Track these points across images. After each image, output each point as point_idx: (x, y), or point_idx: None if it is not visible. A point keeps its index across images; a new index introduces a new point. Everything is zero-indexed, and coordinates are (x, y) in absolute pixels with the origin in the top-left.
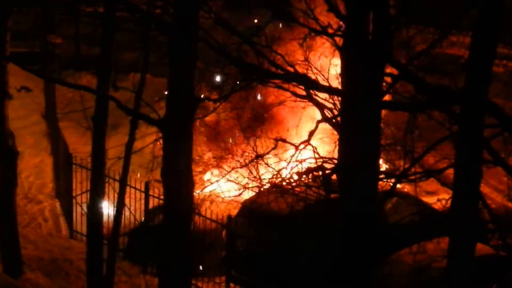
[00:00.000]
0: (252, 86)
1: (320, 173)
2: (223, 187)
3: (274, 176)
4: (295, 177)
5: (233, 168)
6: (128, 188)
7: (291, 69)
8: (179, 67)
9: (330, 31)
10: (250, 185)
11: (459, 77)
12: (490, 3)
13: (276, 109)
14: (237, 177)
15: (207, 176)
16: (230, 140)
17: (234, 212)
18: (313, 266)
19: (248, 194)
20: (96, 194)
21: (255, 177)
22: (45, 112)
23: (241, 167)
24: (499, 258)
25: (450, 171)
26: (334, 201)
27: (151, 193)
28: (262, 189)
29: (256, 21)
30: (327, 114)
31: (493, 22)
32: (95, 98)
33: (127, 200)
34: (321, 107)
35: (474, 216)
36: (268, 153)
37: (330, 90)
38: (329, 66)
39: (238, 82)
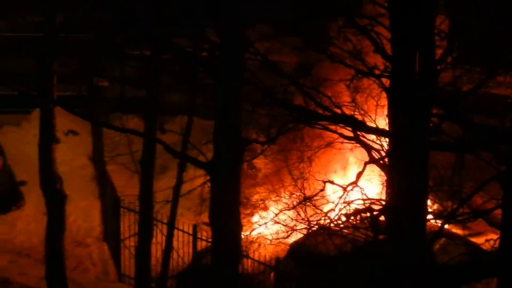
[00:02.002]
0: (299, 128)
1: (368, 214)
2: (271, 229)
3: (322, 218)
4: (343, 218)
5: (281, 210)
6: (176, 231)
7: (338, 111)
8: (226, 109)
9: (376, 72)
10: (298, 227)
11: (506, 117)
12: None
13: (323, 150)
14: (285, 219)
15: (255, 218)
16: (278, 182)
17: (282, 254)
18: None
19: (296, 236)
20: (144, 237)
21: (303, 219)
22: (92, 156)
23: (289, 209)
24: None
25: (498, 212)
26: (382, 243)
27: (199, 236)
28: (310, 231)
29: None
30: (374, 155)
31: None
32: (143, 141)
33: (175, 243)
34: (368, 148)
35: None
36: (316, 195)
37: (377, 131)
38: (376, 107)
39: (285, 124)
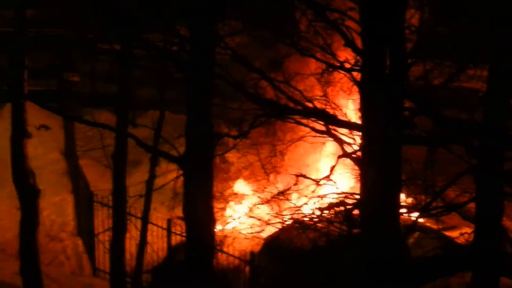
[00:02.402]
0: (271, 122)
1: (342, 208)
2: (245, 223)
3: (296, 212)
4: (317, 212)
5: (254, 205)
6: (150, 226)
7: (310, 105)
8: (197, 104)
9: (347, 66)
10: (272, 221)
11: (477, 111)
12: (508, 37)
13: (296, 144)
14: (259, 213)
15: (228, 212)
16: (251, 176)
17: (256, 248)
18: None
19: (270, 230)
20: (118, 232)
21: (277, 213)
22: (64, 150)
23: (263, 203)
24: None
25: (472, 205)
26: (356, 236)
27: (173, 230)
28: (284, 225)
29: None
30: (347, 149)
31: (510, 55)
32: (115, 136)
33: (149, 238)
34: (340, 142)
35: (497, 249)
36: (289, 189)
37: (349, 125)
38: (347, 101)
39: (257, 118)
